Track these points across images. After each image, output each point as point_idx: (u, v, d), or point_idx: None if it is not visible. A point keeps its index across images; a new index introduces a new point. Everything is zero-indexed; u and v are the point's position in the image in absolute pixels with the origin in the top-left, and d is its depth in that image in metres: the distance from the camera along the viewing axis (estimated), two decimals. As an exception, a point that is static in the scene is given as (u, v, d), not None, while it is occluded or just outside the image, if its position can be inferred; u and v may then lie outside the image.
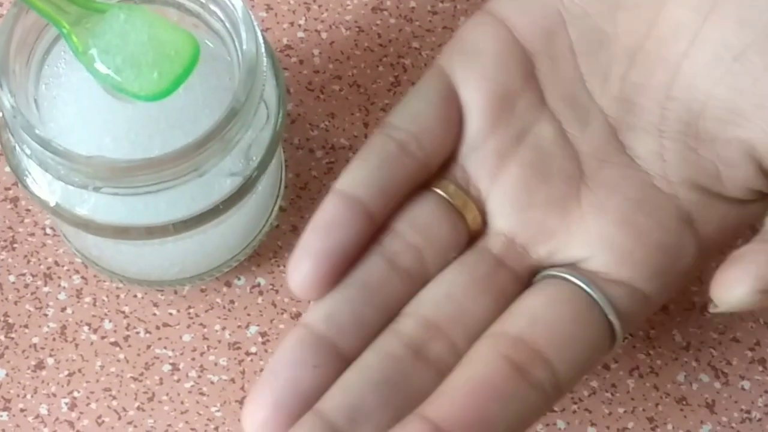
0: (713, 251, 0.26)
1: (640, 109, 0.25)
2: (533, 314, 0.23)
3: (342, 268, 0.23)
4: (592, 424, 0.31)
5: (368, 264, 0.24)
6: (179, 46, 0.24)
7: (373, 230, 0.24)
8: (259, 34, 0.25)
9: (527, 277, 0.25)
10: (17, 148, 0.26)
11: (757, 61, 0.24)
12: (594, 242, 0.24)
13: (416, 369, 0.23)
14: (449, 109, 0.25)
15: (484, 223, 0.25)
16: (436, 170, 0.25)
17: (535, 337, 0.23)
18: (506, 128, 0.25)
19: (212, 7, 0.26)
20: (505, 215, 0.25)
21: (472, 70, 0.25)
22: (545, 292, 0.24)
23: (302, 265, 0.23)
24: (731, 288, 0.22)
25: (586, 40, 0.26)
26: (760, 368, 0.32)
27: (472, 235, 0.25)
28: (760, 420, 0.31)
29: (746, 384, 0.31)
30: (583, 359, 0.23)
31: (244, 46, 0.25)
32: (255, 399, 0.22)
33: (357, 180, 0.24)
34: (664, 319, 0.32)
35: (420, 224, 0.24)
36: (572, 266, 0.24)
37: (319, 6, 0.35)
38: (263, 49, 0.25)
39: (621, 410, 0.31)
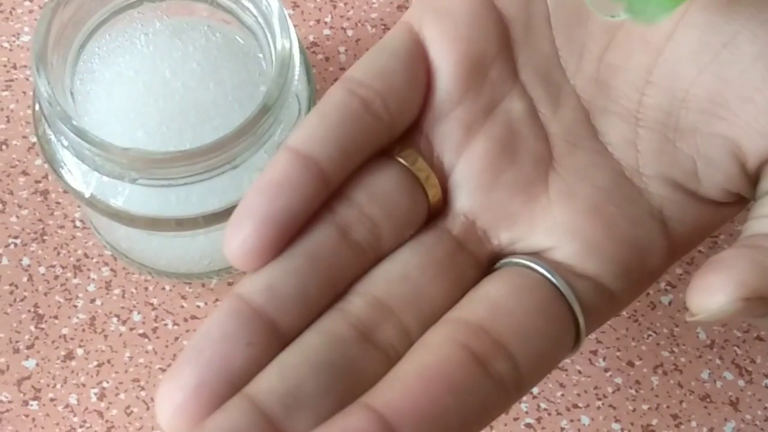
0: (681, 254, 0.24)
1: (616, 93, 0.24)
2: (495, 302, 0.21)
3: (288, 235, 0.20)
4: (617, 421, 0.31)
5: (318, 233, 0.21)
6: None
7: (326, 195, 0.21)
8: (293, 31, 0.26)
9: (487, 264, 0.22)
10: (53, 139, 0.26)
11: (747, 50, 0.22)
12: (560, 231, 0.22)
13: (363, 353, 0.20)
14: (418, 68, 0.23)
15: (445, 199, 0.23)
16: (398, 136, 0.23)
17: (496, 326, 0.20)
18: (476, 97, 0.23)
19: (245, 2, 0.27)
20: (468, 194, 0.23)
21: (444, 28, 0.23)
22: (508, 279, 0.22)
23: (242, 229, 0.20)
24: (711, 295, 0.20)
25: (564, 12, 0.24)
26: (784, 367, 0.32)
27: (431, 211, 0.23)
28: (783, 418, 0.31)
29: (770, 382, 0.32)
30: (546, 355, 0.21)
31: (278, 43, 0.25)
32: (173, 378, 0.19)
33: (313, 137, 0.21)
34: (688, 317, 0.32)
35: (379, 195, 0.22)
36: (536, 255, 0.22)
37: (345, 4, 0.36)
38: (297, 46, 0.26)
39: (645, 407, 0.31)
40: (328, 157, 0.21)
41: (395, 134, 0.23)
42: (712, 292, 0.20)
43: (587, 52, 0.24)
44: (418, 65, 0.23)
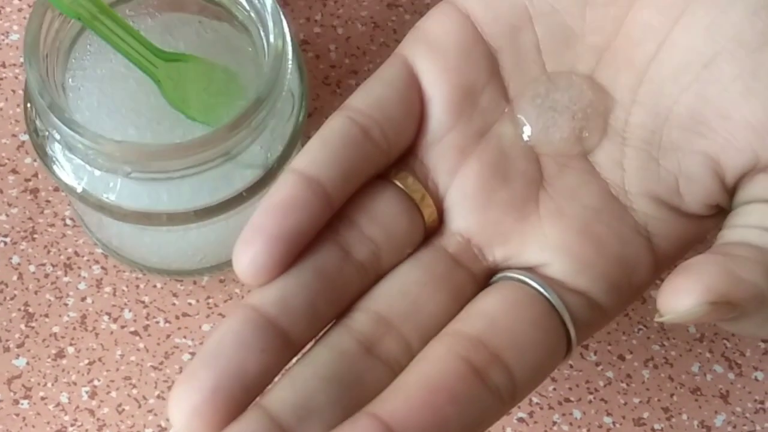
0: (666, 267, 0.25)
1: None
2: (492, 315, 0.22)
3: (295, 253, 0.22)
4: (608, 414, 0.31)
5: (323, 252, 0.22)
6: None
7: (329, 215, 0.23)
8: (286, 25, 0.26)
9: (483, 279, 0.24)
10: (46, 134, 0.26)
11: (726, 70, 0.23)
12: (552, 249, 0.23)
13: (368, 367, 0.22)
14: (412, 98, 0.24)
15: (440, 219, 0.24)
16: (395, 161, 0.24)
17: (494, 339, 0.22)
18: (468, 123, 0.25)
19: (238, -2, 0.27)
20: (463, 214, 0.24)
21: (435, 61, 0.25)
22: (504, 294, 0.23)
23: (252, 247, 0.21)
24: (679, 298, 0.21)
25: (553, 37, 0.25)
26: (774, 359, 0.32)
27: (427, 230, 0.24)
28: (773, 410, 0.31)
29: (759, 375, 0.32)
30: (541, 366, 0.22)
31: (271, 37, 0.26)
32: (189, 381, 0.20)
33: (317, 161, 0.23)
34: (677, 311, 0.32)
35: (378, 216, 0.23)
36: (530, 270, 0.23)
37: (335, 1, 0.36)
38: (290, 42, 0.26)
39: (636, 400, 0.31)
40: (332, 180, 0.22)
41: (392, 159, 0.24)
42: (681, 295, 0.21)
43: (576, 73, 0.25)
44: (413, 95, 0.24)
